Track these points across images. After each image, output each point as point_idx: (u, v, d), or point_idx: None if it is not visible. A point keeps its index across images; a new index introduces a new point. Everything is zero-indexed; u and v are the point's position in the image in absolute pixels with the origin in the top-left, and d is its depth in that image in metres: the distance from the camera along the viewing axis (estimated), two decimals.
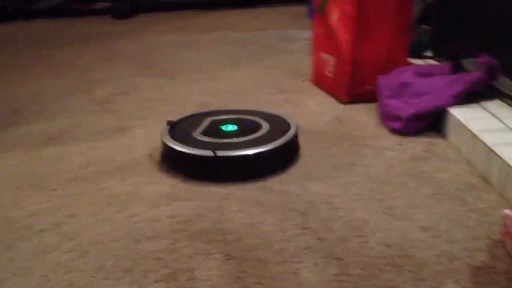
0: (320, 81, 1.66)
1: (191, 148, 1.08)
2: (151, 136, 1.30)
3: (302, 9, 2.87)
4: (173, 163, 1.12)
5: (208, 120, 1.23)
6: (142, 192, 1.04)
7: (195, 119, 1.25)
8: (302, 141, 1.23)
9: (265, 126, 1.19)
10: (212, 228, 0.91)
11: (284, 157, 1.14)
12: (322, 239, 0.86)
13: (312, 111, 1.45)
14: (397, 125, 1.27)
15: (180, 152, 1.09)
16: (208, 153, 1.06)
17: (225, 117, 1.26)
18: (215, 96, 1.60)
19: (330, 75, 1.58)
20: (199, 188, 1.04)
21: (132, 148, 1.24)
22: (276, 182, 1.06)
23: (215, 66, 1.95)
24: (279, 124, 1.20)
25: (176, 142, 1.11)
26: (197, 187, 1.05)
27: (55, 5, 3.09)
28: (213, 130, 1.18)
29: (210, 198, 1.01)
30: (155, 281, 0.78)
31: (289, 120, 1.22)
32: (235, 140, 1.13)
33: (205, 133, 1.17)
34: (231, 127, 1.20)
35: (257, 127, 1.19)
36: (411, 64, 1.58)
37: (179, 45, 2.30)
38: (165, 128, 1.18)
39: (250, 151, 1.07)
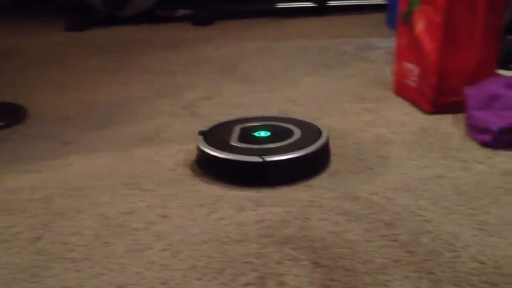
0: (402, 91, 1.64)
1: (237, 155, 1.12)
2: None
3: (381, 17, 2.85)
4: (218, 171, 1.15)
5: (238, 128, 1.26)
6: (229, 195, 1.07)
7: (225, 127, 1.27)
8: (386, 151, 1.22)
9: (297, 132, 1.22)
10: (298, 234, 0.92)
11: (321, 160, 1.19)
12: (411, 252, 0.85)
13: (394, 121, 1.44)
14: (486, 137, 1.24)
15: (227, 159, 1.12)
16: (256, 159, 1.10)
17: (253, 124, 1.29)
18: (295, 103, 1.61)
19: (413, 85, 1.56)
20: (283, 194, 1.06)
21: None
22: (363, 191, 1.06)
23: (294, 73, 1.96)
24: (309, 130, 1.24)
25: (219, 151, 1.14)
26: (280, 193, 1.06)
27: (141, 12, 3.21)
28: (247, 137, 1.21)
29: (295, 204, 1.02)
30: (245, 284, 0.80)
31: (318, 125, 1.25)
32: (271, 145, 1.16)
33: (241, 140, 1.19)
34: (263, 133, 1.22)
35: (288, 132, 1.22)
36: (499, 75, 1.53)
37: (258, 52, 2.34)
38: (199, 138, 1.21)
39: (296, 154, 1.11)
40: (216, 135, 1.24)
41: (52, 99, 1.77)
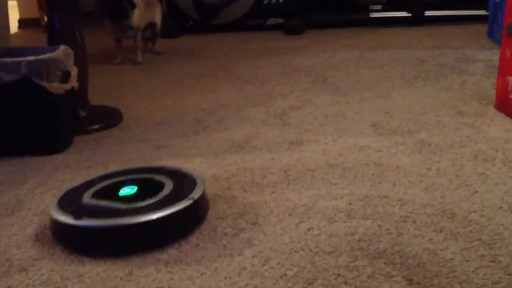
0: (504, 106, 1.56)
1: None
2: (327, 151, 1.32)
3: (481, 28, 2.73)
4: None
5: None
6: (320, 205, 1.06)
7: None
8: (486, 168, 1.17)
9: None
10: (391, 250, 0.89)
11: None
12: None
13: (495, 137, 1.37)
14: None
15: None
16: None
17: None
18: (388, 116, 1.57)
19: None
20: (375, 208, 1.03)
21: (308, 161, 1.27)
22: (461, 209, 1.01)
23: (388, 84, 1.92)
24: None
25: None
26: (372, 207, 1.04)
27: (231, 22, 3.27)
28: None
29: (387, 218, 0.99)
30: None
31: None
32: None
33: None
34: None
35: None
36: None
37: (350, 62, 2.31)
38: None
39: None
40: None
41: (146, 104, 1.84)
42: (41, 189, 1.20)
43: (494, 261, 0.84)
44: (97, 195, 1.03)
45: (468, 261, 0.85)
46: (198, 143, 1.43)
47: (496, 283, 0.79)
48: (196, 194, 1.01)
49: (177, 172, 1.12)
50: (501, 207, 1.01)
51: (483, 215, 0.98)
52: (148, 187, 1.05)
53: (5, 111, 1.38)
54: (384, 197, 1.08)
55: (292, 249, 0.91)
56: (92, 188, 1.06)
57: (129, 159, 1.34)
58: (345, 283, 0.81)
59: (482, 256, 0.86)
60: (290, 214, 1.03)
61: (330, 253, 0.90)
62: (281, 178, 1.19)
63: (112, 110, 1.73)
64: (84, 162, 1.33)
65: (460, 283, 0.79)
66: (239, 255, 0.90)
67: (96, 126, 1.57)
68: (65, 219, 0.96)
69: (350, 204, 1.06)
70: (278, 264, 0.87)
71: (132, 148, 1.42)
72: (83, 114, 1.62)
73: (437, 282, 0.80)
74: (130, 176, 1.10)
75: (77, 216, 0.95)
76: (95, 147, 1.44)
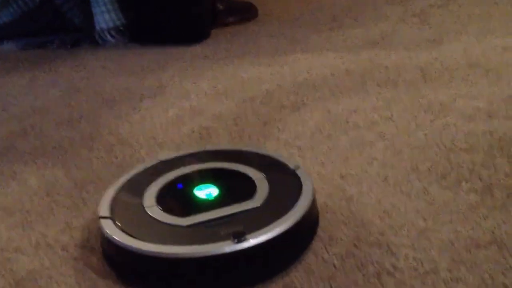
0: None
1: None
2: (469, 51, 1.25)
3: None
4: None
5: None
6: (458, 104, 1.02)
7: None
8: None
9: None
10: None
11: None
12: None
13: None
14: None
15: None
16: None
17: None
18: None
19: None
20: None
21: (448, 60, 1.21)
22: None
23: None
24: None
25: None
26: None
27: None
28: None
29: None
30: (468, 190, 0.77)
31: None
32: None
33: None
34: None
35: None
36: None
37: None
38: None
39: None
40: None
41: (281, 1, 1.83)
42: (180, 76, 1.27)
43: None
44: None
45: None
46: (333, 39, 1.41)
47: None
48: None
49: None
50: None
51: None
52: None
53: (149, 1, 1.45)
54: None
55: (425, 144, 0.90)
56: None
57: (264, 52, 1.37)
58: (480, 179, 0.79)
59: None
60: (425, 111, 1.01)
61: (466, 150, 0.87)
62: (417, 76, 1.15)
63: (248, 4, 1.75)
64: (221, 53, 1.38)
65: None
66: (370, 146, 0.91)
67: (232, 19, 1.60)
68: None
69: (491, 104, 1.01)
70: (409, 157, 0.87)
71: (267, 41, 1.44)
72: (220, 7, 1.65)
73: None
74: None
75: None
76: (231, 39, 1.48)
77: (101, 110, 1.13)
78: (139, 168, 0.80)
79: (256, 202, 0.69)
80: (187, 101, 1.13)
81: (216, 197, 0.71)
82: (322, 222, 0.72)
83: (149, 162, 0.82)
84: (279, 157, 0.80)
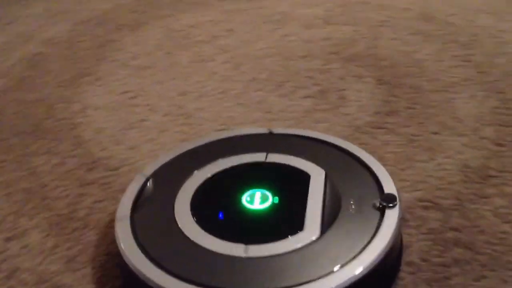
0: None
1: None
2: None
3: None
4: None
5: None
6: (297, 13, 1.03)
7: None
8: None
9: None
10: (365, 53, 0.88)
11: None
12: (483, 73, 0.80)
13: None
14: None
15: None
16: None
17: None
18: None
19: None
20: (354, 14, 1.01)
21: None
22: (440, 13, 0.98)
23: None
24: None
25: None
26: (352, 13, 1.01)
27: None
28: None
29: (365, 23, 0.97)
30: (305, 97, 0.78)
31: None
32: None
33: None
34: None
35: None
36: None
37: None
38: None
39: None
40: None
41: None
42: None
43: (467, 61, 0.84)
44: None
45: (441, 61, 0.84)
46: None
47: (466, 80, 0.79)
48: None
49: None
50: (481, 10, 0.98)
51: (463, 18, 0.96)
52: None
53: None
54: (364, 3, 1.04)
55: (265, 55, 0.90)
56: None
57: None
58: (316, 84, 0.81)
59: (456, 56, 0.85)
60: (265, 22, 1.00)
61: (303, 57, 0.89)
62: None
63: None
64: None
65: (430, 81, 0.79)
66: (211, 61, 0.89)
67: None
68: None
69: (329, 11, 1.03)
70: (250, 68, 0.87)
71: None
72: None
73: (407, 81, 0.80)
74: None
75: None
76: None
77: None
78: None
79: None
80: (16, 26, 1.03)
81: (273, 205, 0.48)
82: None
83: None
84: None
